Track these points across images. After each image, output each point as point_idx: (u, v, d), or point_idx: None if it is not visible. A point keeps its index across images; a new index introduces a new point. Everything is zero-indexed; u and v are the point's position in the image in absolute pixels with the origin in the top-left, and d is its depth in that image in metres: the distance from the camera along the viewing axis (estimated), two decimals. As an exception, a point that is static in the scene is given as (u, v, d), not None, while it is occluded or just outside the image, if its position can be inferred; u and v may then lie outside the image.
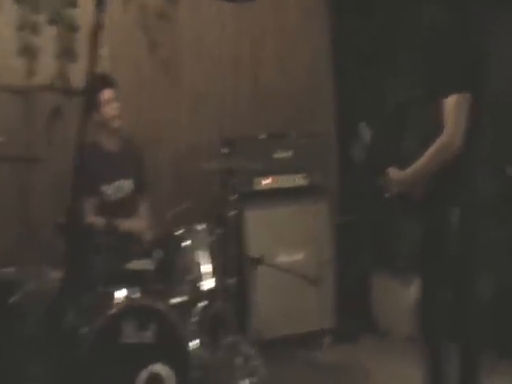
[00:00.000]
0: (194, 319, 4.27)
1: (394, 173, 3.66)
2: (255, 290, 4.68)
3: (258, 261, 4.49)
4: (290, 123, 5.63)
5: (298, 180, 5.33)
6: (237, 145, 5.09)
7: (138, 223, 4.48)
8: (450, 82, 3.46)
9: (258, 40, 5.74)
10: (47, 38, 4.80)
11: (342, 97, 6.03)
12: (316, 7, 5.98)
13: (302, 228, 5.23)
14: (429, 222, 3.61)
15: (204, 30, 5.52)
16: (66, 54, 4.83)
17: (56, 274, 3.87)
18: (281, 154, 5.29)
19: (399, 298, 5.26)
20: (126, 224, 4.32)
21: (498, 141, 4.48)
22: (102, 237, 3.85)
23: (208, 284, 4.21)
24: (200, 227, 4.27)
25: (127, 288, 3.86)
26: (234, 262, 4.29)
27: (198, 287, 4.18)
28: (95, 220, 4.11)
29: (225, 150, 5.03)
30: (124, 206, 4.48)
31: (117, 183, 4.48)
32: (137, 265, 4.11)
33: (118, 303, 3.81)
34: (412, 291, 5.09)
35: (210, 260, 4.24)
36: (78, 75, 4.73)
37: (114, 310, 3.73)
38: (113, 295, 3.85)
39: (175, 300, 4.11)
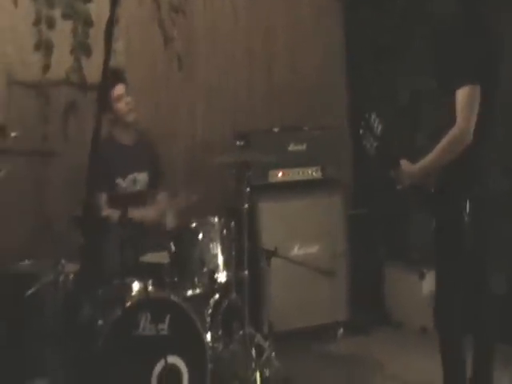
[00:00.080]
0: (209, 312, 4.31)
1: (405, 165, 3.67)
2: (269, 282, 4.70)
3: (272, 253, 4.50)
4: (303, 116, 5.64)
5: (311, 173, 5.33)
6: (251, 138, 5.09)
7: (151, 212, 4.50)
8: (462, 73, 3.47)
9: (271, 34, 5.75)
10: (62, 33, 4.80)
11: (355, 90, 6.05)
12: (328, 1, 5.98)
13: (316, 221, 5.24)
14: (441, 214, 3.61)
15: (217, 25, 5.54)
16: (81, 48, 4.83)
17: (72, 267, 3.88)
18: (295, 147, 5.29)
19: (412, 290, 5.28)
20: (139, 213, 4.34)
21: (508, 139, 4.49)
22: (118, 229, 3.85)
23: (222, 277, 4.23)
24: (214, 220, 4.29)
25: (143, 281, 3.85)
26: (249, 255, 4.28)
27: (213, 280, 4.19)
28: (110, 213, 4.12)
29: (239, 144, 5.02)
30: (139, 199, 4.49)
31: (131, 176, 4.50)
32: (152, 257, 4.16)
33: (133, 296, 3.81)
34: (425, 283, 5.12)
35: (224, 253, 4.26)
36: (92, 70, 4.75)
37: (129, 303, 3.73)
38: (128, 288, 3.86)
39: (190, 292, 4.13)
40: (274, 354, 4.28)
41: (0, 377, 3.91)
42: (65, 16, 4.80)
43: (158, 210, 4.49)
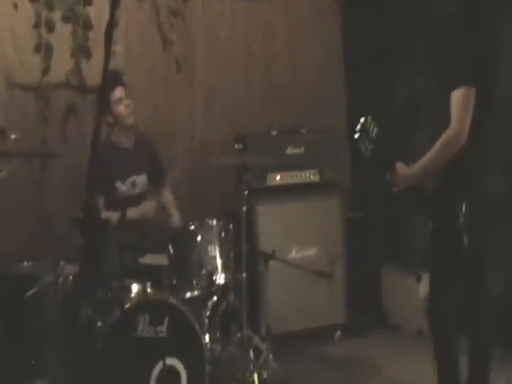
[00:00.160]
0: (207, 314, 4.32)
1: (401, 168, 3.67)
2: (267, 285, 4.72)
3: (270, 256, 4.51)
4: (302, 118, 5.66)
5: (309, 176, 5.35)
6: (249, 141, 5.09)
7: (149, 206, 4.52)
8: (457, 74, 3.48)
9: (269, 36, 5.77)
10: (62, 36, 4.82)
11: (354, 93, 6.07)
12: (327, 2, 6.00)
13: (314, 224, 5.25)
14: (438, 215, 3.62)
15: (216, 28, 5.55)
16: (81, 51, 4.84)
17: (72, 269, 3.90)
18: (293, 150, 5.31)
19: (409, 292, 5.29)
20: (137, 211, 4.38)
21: (507, 139, 4.51)
22: (117, 232, 3.86)
23: (221, 279, 4.24)
24: (213, 222, 4.29)
25: (141, 283, 3.88)
26: (247, 258, 4.29)
27: (211, 282, 4.21)
28: (108, 215, 4.11)
29: (237, 146, 5.04)
30: (139, 202, 4.51)
31: (130, 179, 4.51)
32: (151, 260, 4.18)
33: (132, 298, 3.84)
34: (422, 286, 5.14)
35: (222, 255, 4.27)
36: (92, 72, 4.78)
37: (128, 305, 3.75)
38: (127, 290, 3.88)
39: (188, 295, 4.14)
40: (271, 356, 4.29)
41: (2, 376, 3.93)
42: (65, 19, 4.82)
43: (157, 205, 4.52)
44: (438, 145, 3.50)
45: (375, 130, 3.68)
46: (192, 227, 4.26)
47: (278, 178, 5.27)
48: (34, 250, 4.52)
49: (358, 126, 3.72)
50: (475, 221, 3.51)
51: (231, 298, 4.37)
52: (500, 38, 3.71)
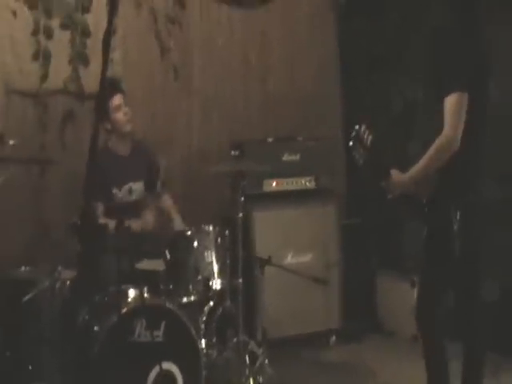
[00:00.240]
0: (203, 319, 4.32)
1: (395, 175, 3.69)
2: (263, 290, 4.71)
3: (266, 262, 4.52)
4: (298, 126, 5.69)
5: (305, 183, 5.38)
6: (246, 148, 5.13)
7: (149, 219, 4.54)
8: (451, 80, 3.51)
9: (266, 45, 5.80)
10: (60, 43, 4.85)
11: (349, 101, 6.09)
12: (323, 12, 6.03)
13: (310, 230, 5.27)
14: (432, 223, 3.65)
15: (213, 36, 5.58)
16: (79, 58, 4.88)
17: (69, 274, 3.92)
18: (289, 157, 5.34)
19: (404, 298, 5.26)
20: (137, 224, 4.38)
21: (503, 145, 4.53)
22: (114, 237, 3.83)
23: (217, 284, 4.25)
24: (209, 228, 4.31)
25: (138, 288, 3.89)
26: (243, 263, 4.29)
27: (208, 287, 4.22)
28: (106, 221, 4.07)
29: (234, 153, 5.06)
30: (135, 208, 4.53)
31: (127, 186, 4.52)
32: (148, 265, 4.19)
33: (129, 302, 3.85)
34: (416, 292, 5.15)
35: (218, 261, 4.28)
36: (90, 79, 4.80)
37: (125, 309, 3.76)
38: (124, 295, 3.89)
39: (185, 300, 4.16)
40: (267, 360, 4.30)
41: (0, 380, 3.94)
42: (63, 26, 4.86)
43: (156, 215, 4.53)
44: (431, 151, 3.53)
45: (369, 137, 3.70)
46: (189, 233, 4.28)
47: (275, 184, 5.30)
48: (32, 255, 4.54)
49: (353, 134, 3.75)
50: (469, 228, 3.52)
51: (227, 303, 4.38)
52: (491, 47, 3.74)
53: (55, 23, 4.83)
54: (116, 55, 4.91)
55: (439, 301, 3.72)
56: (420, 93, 5.45)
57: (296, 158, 5.36)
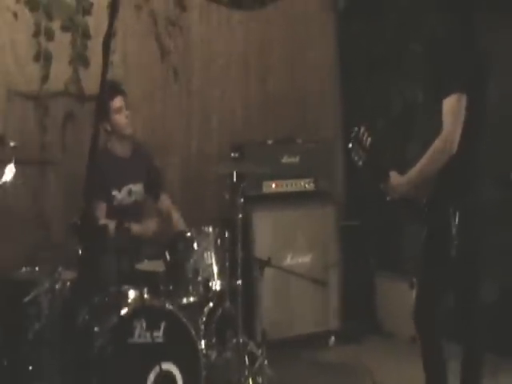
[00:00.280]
0: (203, 320, 4.33)
1: (394, 177, 3.70)
2: (262, 291, 4.75)
3: (266, 263, 4.54)
4: (297, 129, 5.69)
5: (304, 184, 5.41)
6: (245, 150, 5.15)
7: (146, 225, 4.53)
8: (450, 82, 3.52)
9: (265, 47, 5.82)
10: (61, 45, 4.86)
11: (349, 103, 6.10)
12: (323, 14, 6.04)
13: (309, 231, 5.30)
14: (432, 224, 3.66)
15: (213, 38, 5.60)
16: (80, 60, 4.89)
17: (69, 274, 3.93)
18: (288, 159, 5.36)
19: (403, 300, 5.25)
20: (139, 228, 4.39)
21: (502, 146, 4.54)
22: (114, 238, 3.86)
23: (216, 286, 4.26)
24: (209, 230, 4.31)
25: (138, 289, 3.90)
26: (242, 264, 4.31)
27: (207, 289, 4.22)
28: (107, 222, 4.08)
29: (234, 155, 5.06)
30: (135, 210, 4.53)
31: (126, 188, 4.52)
32: (148, 266, 4.20)
33: (129, 303, 3.86)
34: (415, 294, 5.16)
35: (218, 262, 4.28)
36: (90, 81, 4.81)
37: (125, 310, 3.77)
38: (124, 295, 3.90)
39: (185, 301, 4.16)
40: (266, 361, 4.31)
41: (0, 381, 3.95)
42: (64, 28, 4.87)
43: (156, 225, 4.53)
44: (429, 152, 3.54)
45: (368, 139, 3.71)
46: (188, 234, 4.28)
47: (274, 186, 5.32)
48: (33, 256, 4.50)
49: (352, 136, 3.77)
50: (468, 229, 3.53)
51: (227, 304, 4.39)
52: (490, 50, 3.76)
53: (56, 25, 4.84)
54: (116, 57, 4.91)
55: (438, 302, 3.74)
56: (419, 94, 5.47)
57: (295, 160, 5.38)
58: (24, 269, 4.20)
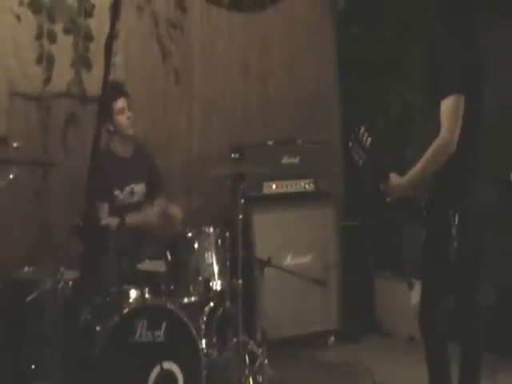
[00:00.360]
0: (204, 319, 4.36)
1: (394, 178, 3.73)
2: (262, 291, 4.74)
3: (266, 263, 4.53)
4: (297, 130, 5.71)
5: (304, 185, 5.42)
6: (246, 151, 5.16)
7: (150, 213, 4.52)
8: (447, 83, 3.55)
9: (266, 49, 5.83)
10: (63, 47, 4.88)
11: (348, 105, 6.12)
12: (322, 18, 6.06)
13: (309, 232, 5.31)
14: (431, 226, 3.67)
15: (214, 40, 5.62)
16: (82, 62, 4.91)
17: (71, 275, 3.96)
18: (288, 160, 5.38)
19: (402, 300, 5.35)
20: (138, 217, 4.40)
21: (501, 147, 4.57)
22: (116, 238, 3.85)
23: (217, 285, 4.29)
24: (210, 230, 4.35)
25: (140, 288, 3.92)
26: (243, 264, 4.31)
27: (208, 288, 4.26)
28: (109, 220, 4.12)
29: (234, 156, 5.08)
30: (137, 210, 4.52)
31: (128, 188, 4.54)
32: (149, 266, 4.22)
33: (130, 303, 3.88)
34: (414, 293, 5.19)
35: (219, 262, 4.32)
36: (93, 83, 4.84)
37: (127, 310, 3.80)
38: (126, 295, 3.93)
39: (186, 300, 4.19)
40: (266, 360, 4.32)
41: (3, 379, 3.97)
42: (66, 31, 4.89)
43: (157, 213, 4.51)
44: (428, 153, 3.56)
45: (368, 139, 3.74)
46: (189, 234, 4.31)
47: (274, 186, 5.33)
48: (35, 256, 4.55)
49: (352, 135, 3.80)
50: (467, 231, 3.55)
51: (227, 303, 4.41)
52: (487, 52, 3.79)
53: (58, 27, 4.86)
54: (118, 59, 4.92)
55: (440, 303, 3.75)
56: (418, 97, 5.48)
57: (295, 160, 5.40)
58: (26, 269, 4.24)
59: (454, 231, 3.51)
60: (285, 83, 5.90)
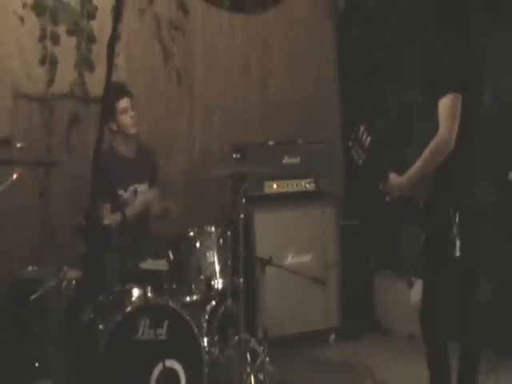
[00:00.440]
0: (206, 318, 4.39)
1: (393, 177, 3.76)
2: (264, 290, 4.74)
3: (267, 262, 4.54)
4: (297, 130, 5.73)
5: (305, 185, 5.45)
6: (247, 151, 5.19)
7: (144, 196, 4.52)
8: (445, 82, 3.57)
9: (267, 51, 5.85)
10: (66, 49, 4.91)
11: (348, 105, 6.15)
12: (323, 20, 6.08)
13: (309, 231, 5.34)
14: (430, 225, 3.69)
15: (215, 42, 5.64)
16: (85, 63, 4.94)
17: (74, 274, 3.99)
18: (289, 160, 5.40)
19: (401, 298, 5.38)
20: (134, 206, 4.43)
21: (499, 146, 4.59)
22: (119, 238, 3.85)
23: (219, 284, 4.32)
24: (211, 229, 4.37)
25: (142, 287, 3.94)
26: (244, 263, 4.34)
27: (210, 287, 4.28)
28: (111, 219, 4.14)
29: (235, 156, 5.11)
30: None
31: (132, 188, 4.56)
32: (151, 265, 4.26)
33: (133, 302, 3.91)
34: (413, 292, 5.22)
35: (220, 261, 4.34)
36: (95, 84, 4.87)
37: (129, 308, 3.82)
38: (128, 294, 3.96)
39: (188, 299, 4.22)
40: (268, 358, 4.34)
41: (7, 377, 4.01)
42: (69, 32, 4.92)
43: (155, 196, 4.54)
44: (426, 152, 3.59)
45: (368, 139, 3.75)
46: (191, 234, 4.33)
47: (275, 186, 5.35)
48: (39, 256, 4.59)
49: (352, 135, 3.83)
50: (467, 229, 3.56)
51: (229, 302, 4.44)
52: (484, 53, 3.82)
53: (61, 29, 4.89)
54: (120, 60, 4.96)
55: (441, 302, 3.76)
56: (417, 97, 5.51)
57: (296, 160, 5.42)
58: (30, 268, 4.29)
59: (455, 229, 3.52)
60: (285, 84, 5.92)
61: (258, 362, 4.34)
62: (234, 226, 4.41)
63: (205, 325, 4.38)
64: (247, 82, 5.79)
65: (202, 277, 4.28)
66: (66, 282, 3.98)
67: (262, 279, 4.61)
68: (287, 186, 5.41)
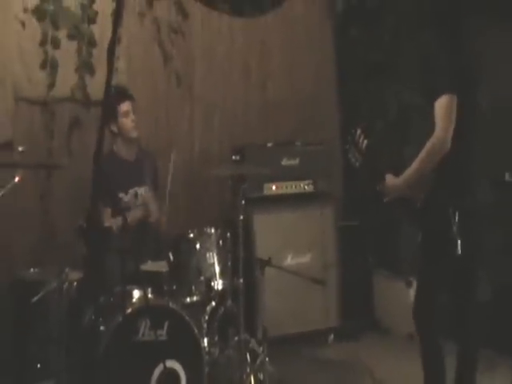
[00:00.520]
0: (206, 318, 4.41)
1: (390, 179, 3.78)
2: (263, 290, 4.77)
3: (266, 263, 4.53)
4: (296, 132, 5.75)
5: (304, 186, 5.46)
6: (246, 152, 5.21)
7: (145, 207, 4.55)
8: (440, 83, 3.60)
9: (266, 53, 5.88)
10: (67, 53, 4.94)
11: (347, 106, 6.16)
12: (321, 22, 6.10)
13: (308, 232, 5.35)
14: (428, 225, 3.71)
15: (214, 45, 5.67)
16: (85, 67, 4.97)
17: (75, 275, 4.03)
18: (288, 162, 5.42)
19: (400, 298, 5.36)
20: (135, 212, 4.46)
21: (495, 148, 4.61)
22: (119, 239, 3.91)
23: (219, 285, 4.34)
24: (211, 231, 4.40)
25: (142, 288, 3.96)
26: (244, 264, 4.34)
27: (210, 288, 4.31)
28: (113, 221, 4.15)
29: (235, 158, 5.12)
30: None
31: (132, 190, 4.59)
32: (151, 266, 4.28)
33: (133, 303, 3.93)
34: (412, 292, 5.22)
35: (220, 262, 4.36)
36: (96, 87, 4.89)
37: (130, 310, 3.84)
38: (129, 295, 3.98)
39: (188, 300, 4.24)
40: (267, 358, 4.34)
41: (9, 378, 4.04)
42: (70, 36, 4.96)
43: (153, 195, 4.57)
44: (422, 153, 3.61)
45: (365, 141, 3.78)
46: (191, 235, 4.35)
47: (274, 187, 5.37)
48: (40, 258, 4.62)
49: (349, 138, 3.85)
50: (467, 229, 3.57)
51: (229, 303, 4.46)
52: (480, 53, 3.85)
53: (62, 34, 4.93)
54: (120, 64, 4.98)
55: (436, 300, 3.78)
56: (416, 98, 5.52)
57: (295, 162, 5.44)
58: (32, 270, 4.32)
59: (455, 229, 3.53)
60: (284, 86, 5.94)
61: (258, 362, 4.35)
62: (234, 227, 4.42)
63: (205, 325, 4.40)
64: (246, 84, 5.81)
65: (202, 278, 4.30)
66: (67, 283, 4.01)
67: (262, 280, 4.61)
68: (286, 187, 5.42)
